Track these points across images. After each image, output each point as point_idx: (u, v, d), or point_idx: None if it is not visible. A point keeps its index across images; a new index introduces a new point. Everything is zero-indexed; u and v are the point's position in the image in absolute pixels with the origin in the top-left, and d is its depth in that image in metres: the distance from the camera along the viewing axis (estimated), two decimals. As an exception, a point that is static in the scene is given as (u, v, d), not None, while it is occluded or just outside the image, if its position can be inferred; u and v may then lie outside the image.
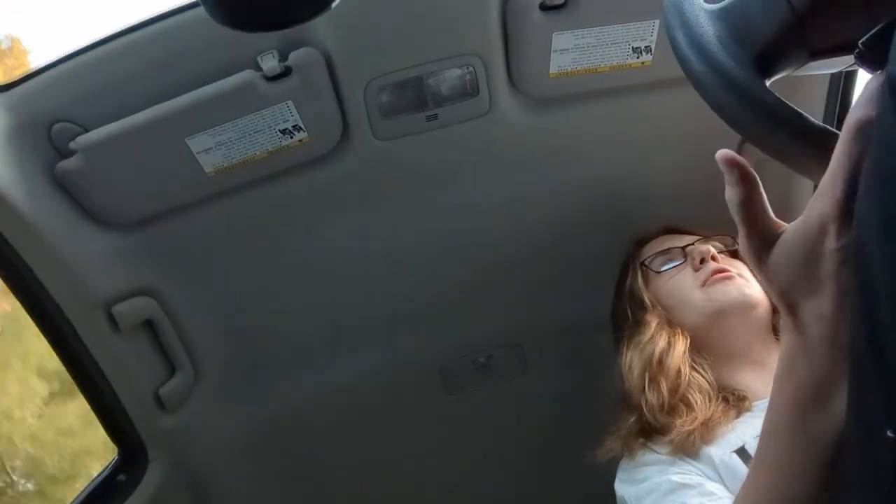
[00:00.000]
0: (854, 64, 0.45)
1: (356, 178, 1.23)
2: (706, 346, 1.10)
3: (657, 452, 1.03)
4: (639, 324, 1.16)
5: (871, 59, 0.42)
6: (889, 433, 0.33)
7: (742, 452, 0.95)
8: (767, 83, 0.48)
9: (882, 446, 0.34)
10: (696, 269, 1.15)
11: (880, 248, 0.33)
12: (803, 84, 1.21)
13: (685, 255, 1.19)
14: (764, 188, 0.48)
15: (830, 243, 0.41)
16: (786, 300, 0.45)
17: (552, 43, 1.10)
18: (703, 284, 1.12)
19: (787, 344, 0.46)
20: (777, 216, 0.49)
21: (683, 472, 0.96)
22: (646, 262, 1.23)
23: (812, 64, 0.47)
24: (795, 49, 0.47)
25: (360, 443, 1.57)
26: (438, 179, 1.29)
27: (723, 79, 0.47)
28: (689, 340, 1.09)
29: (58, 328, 1.14)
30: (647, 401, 1.05)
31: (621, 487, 1.05)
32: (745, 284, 1.11)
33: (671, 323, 1.13)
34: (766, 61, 0.47)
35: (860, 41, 0.42)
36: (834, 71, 0.53)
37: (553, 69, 1.14)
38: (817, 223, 0.42)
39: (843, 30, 0.44)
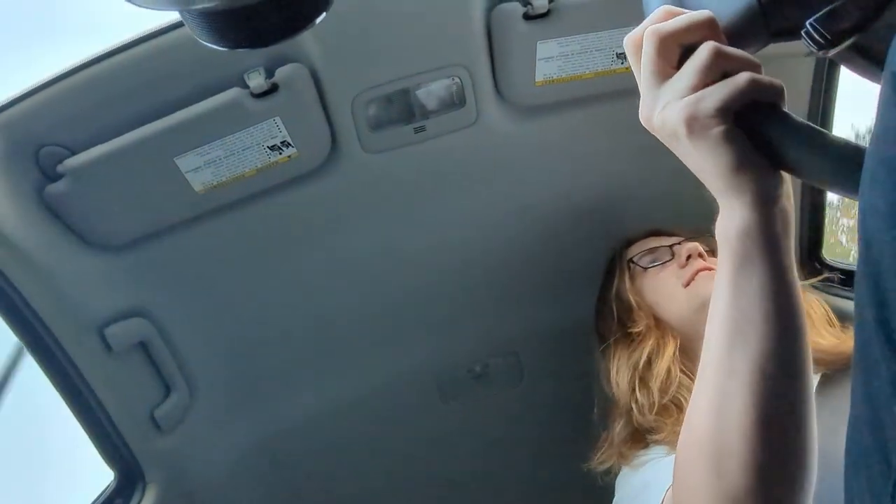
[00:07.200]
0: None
1: (346, 191, 1.24)
2: (693, 342, 1.10)
3: (652, 453, 1.03)
4: (626, 326, 1.16)
5: (817, 39, 0.44)
6: None
7: None
8: None
9: (889, 422, 0.35)
10: (682, 267, 1.16)
11: (888, 233, 0.34)
12: (787, 78, 1.22)
13: (672, 254, 1.20)
14: None
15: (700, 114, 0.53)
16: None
17: (537, 51, 1.11)
18: (688, 281, 1.13)
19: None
20: None
21: None
22: (633, 259, 1.24)
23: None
24: (757, 30, 0.50)
25: (358, 455, 1.56)
26: (428, 191, 1.29)
27: None
28: (678, 342, 1.10)
29: (50, 351, 1.13)
30: (637, 401, 1.06)
31: (621, 490, 1.05)
32: None
33: (659, 324, 1.14)
34: (730, 42, 0.50)
35: (808, 20, 0.44)
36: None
37: (539, 77, 1.15)
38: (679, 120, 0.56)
39: (801, 12, 0.46)
